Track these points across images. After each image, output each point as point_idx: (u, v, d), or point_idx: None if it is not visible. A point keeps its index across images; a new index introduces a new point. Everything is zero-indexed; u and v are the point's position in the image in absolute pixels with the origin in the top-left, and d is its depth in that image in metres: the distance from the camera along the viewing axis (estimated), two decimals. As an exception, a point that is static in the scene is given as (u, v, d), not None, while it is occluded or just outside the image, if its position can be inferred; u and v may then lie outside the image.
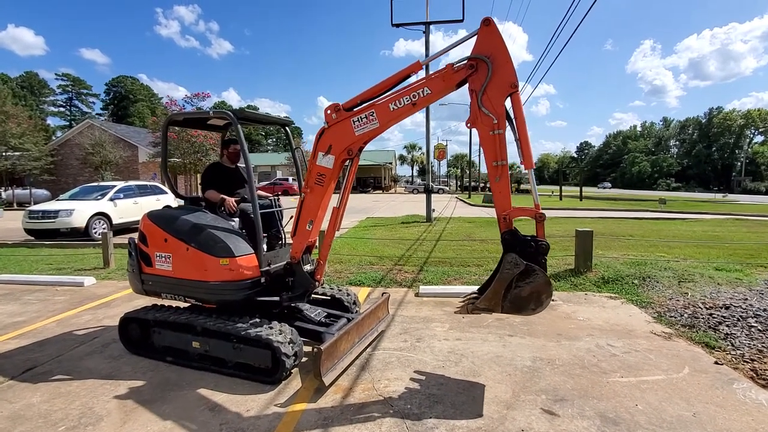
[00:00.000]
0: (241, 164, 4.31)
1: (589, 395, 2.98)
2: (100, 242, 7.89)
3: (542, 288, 2.79)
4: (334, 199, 3.55)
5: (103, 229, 11.23)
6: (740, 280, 5.89)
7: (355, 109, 3.17)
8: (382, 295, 4.36)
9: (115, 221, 11.83)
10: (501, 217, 2.87)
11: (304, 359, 3.49)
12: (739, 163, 78.83)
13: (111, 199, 11.98)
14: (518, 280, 2.80)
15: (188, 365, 3.50)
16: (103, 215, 11.59)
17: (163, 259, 3.63)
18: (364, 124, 3.10)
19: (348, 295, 4.33)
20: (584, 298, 5.43)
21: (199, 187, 4.66)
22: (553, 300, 5.20)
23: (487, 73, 2.78)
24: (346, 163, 3.37)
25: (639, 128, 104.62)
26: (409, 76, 3.13)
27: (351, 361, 3.39)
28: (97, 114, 70.93)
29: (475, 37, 2.85)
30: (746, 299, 5.00)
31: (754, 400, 2.86)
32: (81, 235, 10.83)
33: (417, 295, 5.59)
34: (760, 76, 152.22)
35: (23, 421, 2.77)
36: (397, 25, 14.12)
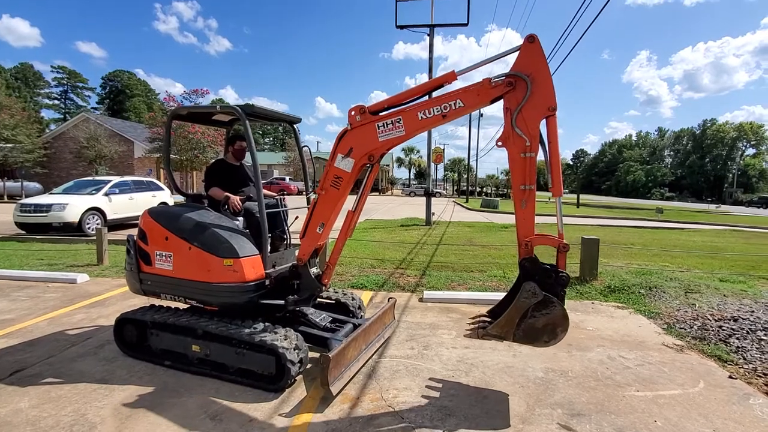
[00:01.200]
0: (246, 162, 4.18)
1: (606, 410, 2.87)
2: (94, 238, 7.69)
3: (559, 321, 2.71)
4: (349, 202, 3.41)
5: (97, 224, 11.00)
6: (745, 291, 5.84)
7: (381, 114, 3.03)
8: (388, 300, 4.24)
9: (109, 217, 11.60)
10: (522, 243, 2.78)
11: (308, 365, 3.35)
12: (731, 175, 79.66)
13: (106, 194, 11.75)
14: (534, 310, 2.71)
15: (187, 370, 3.35)
16: (98, 210, 11.36)
17: (164, 258, 3.48)
18: (389, 131, 2.96)
19: (353, 299, 4.21)
20: (591, 307, 5.34)
21: (197, 184, 4.51)
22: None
23: (525, 93, 2.65)
24: (366, 168, 3.23)
25: (634, 137, 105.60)
26: (441, 86, 3.00)
27: (358, 369, 3.26)
28: (92, 108, 70.18)
29: (517, 52, 2.72)
30: (753, 311, 4.93)
31: (777, 419, 2.77)
32: (74, 230, 10.60)
33: (421, 300, 5.47)
34: (751, 90, 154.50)
35: (10, 428, 2.60)
36: (402, 27, 14.04)
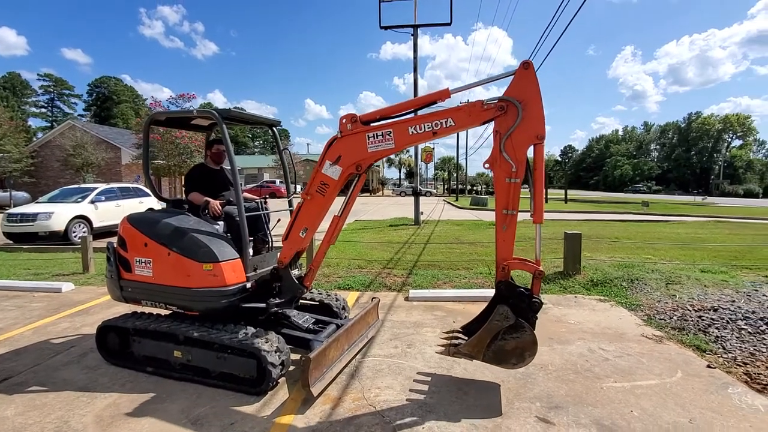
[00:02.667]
0: (226, 166, 4.17)
1: (584, 402, 2.92)
2: (80, 246, 7.61)
3: (527, 346, 2.80)
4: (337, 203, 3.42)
5: (83, 232, 10.88)
6: (726, 282, 5.95)
7: (372, 124, 3.05)
8: (372, 299, 4.26)
9: (96, 224, 11.49)
10: (500, 265, 2.85)
11: (291, 368, 3.36)
12: (717, 167, 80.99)
13: (92, 202, 11.63)
14: (505, 333, 2.80)
15: (169, 376, 3.34)
16: (84, 218, 11.24)
17: (143, 264, 3.47)
18: (379, 142, 2.98)
19: (337, 300, 4.22)
20: (574, 300, 5.41)
21: (183, 189, 4.50)
22: (543, 303, 5.16)
23: (515, 118, 2.69)
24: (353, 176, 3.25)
25: (621, 132, 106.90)
26: (435, 102, 3.03)
27: (340, 370, 3.28)
28: (79, 115, 69.26)
29: (511, 77, 2.75)
30: (734, 301, 5.04)
31: (750, 406, 2.84)
32: (60, 238, 10.48)
33: (407, 299, 5.50)
34: (738, 81, 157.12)
35: (-9, 438, 2.59)
36: (386, 28, 14.08)
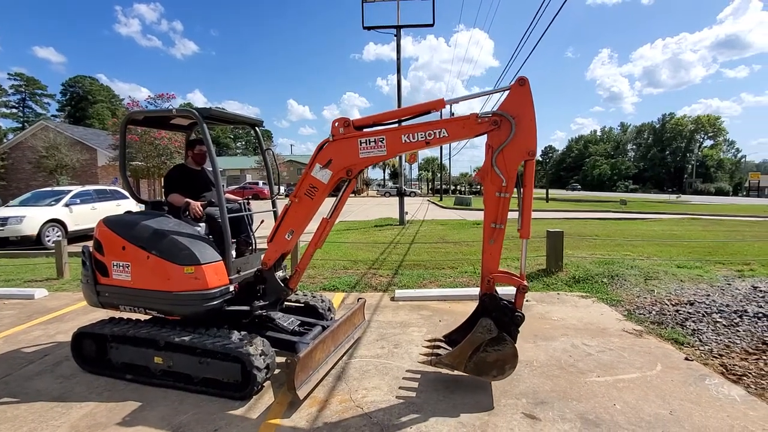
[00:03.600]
0: (207, 167, 4.09)
1: (569, 397, 2.96)
2: (54, 251, 7.35)
3: (508, 358, 2.85)
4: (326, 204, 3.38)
5: (57, 236, 10.51)
6: (701, 276, 6.14)
7: (365, 130, 3.03)
8: (358, 300, 4.23)
9: (70, 228, 11.12)
10: (485, 278, 2.89)
11: (276, 371, 3.31)
12: (690, 166, 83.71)
13: (66, 205, 11.25)
14: (487, 345, 2.84)
15: (150, 383, 3.25)
16: (58, 222, 10.86)
17: (121, 268, 3.37)
18: (371, 148, 2.96)
19: (323, 301, 4.18)
20: (557, 297, 5.50)
21: (163, 191, 4.39)
22: (527, 301, 5.24)
23: (508, 134, 2.70)
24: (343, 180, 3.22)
25: (599, 133, 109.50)
26: (429, 112, 3.03)
27: (327, 372, 3.24)
28: (52, 116, 66.75)
29: (506, 92, 2.77)
30: (709, 295, 5.20)
31: (727, 396, 2.93)
32: (33, 243, 10.10)
33: (393, 299, 5.49)
34: (708, 84, 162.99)
35: (-43, 454, 2.46)
36: (369, 28, 14.07)
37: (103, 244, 3.47)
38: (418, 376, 3.31)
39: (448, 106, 3.25)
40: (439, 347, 3.35)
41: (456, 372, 2.97)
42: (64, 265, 7.09)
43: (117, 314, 3.65)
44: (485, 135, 2.81)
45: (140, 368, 3.32)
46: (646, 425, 2.60)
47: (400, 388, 3.12)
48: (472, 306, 5.16)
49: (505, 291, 3.81)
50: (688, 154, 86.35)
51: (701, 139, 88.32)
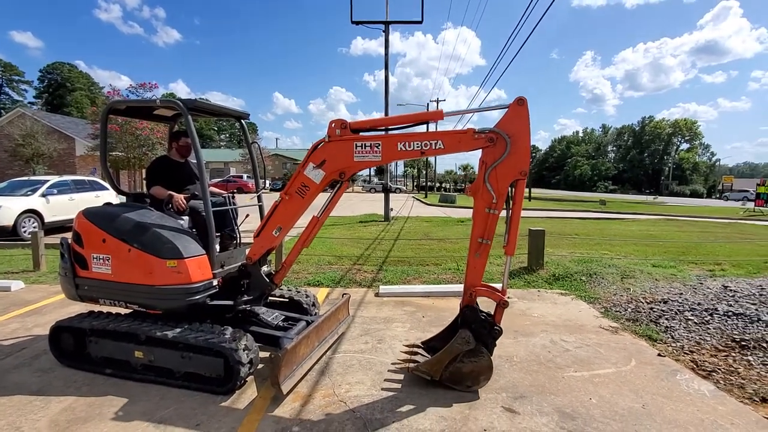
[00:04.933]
0: (192, 159, 4.02)
1: (547, 391, 3.05)
2: (30, 242, 7.13)
3: (483, 370, 2.96)
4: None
5: (34, 227, 10.19)
6: (675, 275, 6.36)
7: (361, 134, 3.03)
8: (343, 296, 4.25)
9: (47, 219, 10.79)
10: (468, 291, 2.95)
11: (260, 366, 3.31)
12: (667, 168, 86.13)
13: (43, 195, 10.90)
14: (464, 356, 2.93)
15: (130, 377, 3.20)
16: (34, 213, 10.53)
17: (101, 261, 3.30)
18: (366, 153, 2.96)
19: (307, 296, 4.18)
20: (537, 295, 5.62)
21: (144, 183, 4.30)
22: (509, 298, 5.33)
23: (503, 152, 2.74)
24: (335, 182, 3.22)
25: (581, 134, 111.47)
26: (427, 122, 3.08)
27: (310, 367, 3.26)
28: (29, 103, 64.44)
29: (505, 111, 2.80)
30: (681, 294, 5.39)
31: (697, 391, 3.06)
32: (9, 234, 9.77)
33: (377, 295, 5.53)
34: (686, 88, 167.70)
35: (-73, 450, 2.39)
36: (357, 23, 14.00)
37: (82, 236, 3.39)
38: (401, 371, 3.35)
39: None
40: (417, 353, 3.41)
41: (431, 379, 3.03)
42: (41, 256, 6.90)
43: (96, 308, 3.58)
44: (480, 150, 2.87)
45: (120, 363, 3.28)
46: (619, 418, 2.70)
47: (383, 383, 3.16)
48: (455, 302, 5.27)
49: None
50: (665, 157, 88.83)
51: (678, 143, 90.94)
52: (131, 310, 3.44)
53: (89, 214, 3.45)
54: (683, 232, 12.80)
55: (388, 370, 3.36)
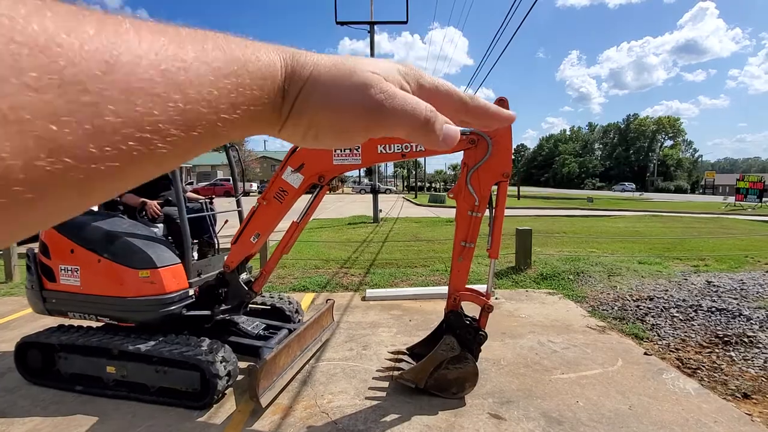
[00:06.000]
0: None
1: (534, 395, 2.99)
2: (1, 252, 6.88)
3: (468, 377, 2.89)
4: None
5: (8, 237, 9.86)
6: (660, 272, 6.39)
7: None
8: (327, 301, 4.15)
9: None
10: (452, 295, 2.89)
11: (240, 376, 3.19)
12: (652, 165, 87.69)
13: (17, 203, 10.57)
14: (449, 362, 2.86)
15: (102, 394, 3.06)
16: (8, 221, 10.20)
17: (70, 272, 3.16)
18: (345, 156, 2.87)
19: (289, 303, 4.07)
20: (525, 294, 5.59)
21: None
22: (496, 298, 5.30)
23: (484, 154, 2.68)
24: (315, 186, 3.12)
25: (568, 132, 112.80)
26: None
27: (292, 377, 3.15)
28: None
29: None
30: (667, 290, 5.41)
31: (682, 390, 3.03)
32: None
33: (363, 299, 5.43)
34: (669, 86, 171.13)
35: None
36: (342, 23, 13.91)
37: (49, 246, 3.25)
38: (387, 379, 3.27)
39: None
40: (401, 360, 3.33)
41: (416, 387, 2.95)
42: (14, 267, 6.66)
43: (67, 321, 3.43)
44: (462, 152, 2.81)
45: (92, 379, 3.13)
46: (606, 421, 2.65)
47: (367, 391, 3.07)
48: (442, 304, 5.18)
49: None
50: (650, 154, 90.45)
51: (662, 139, 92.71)
52: (103, 323, 3.30)
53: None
54: (668, 228, 12.94)
55: (373, 378, 3.27)
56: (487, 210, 2.82)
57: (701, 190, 72.50)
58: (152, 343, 2.96)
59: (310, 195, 3.27)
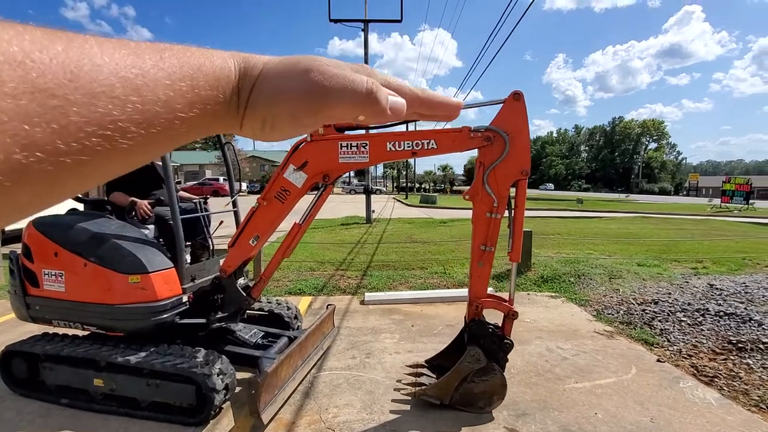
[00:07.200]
0: (158, 161, 3.67)
1: (549, 406, 2.86)
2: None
3: (497, 389, 2.72)
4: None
5: (-14, 237, 9.44)
6: (661, 274, 6.35)
7: (347, 132, 2.74)
8: (327, 306, 3.96)
9: (7, 228, 10.03)
10: (473, 303, 2.71)
11: (237, 388, 2.99)
12: (636, 167, 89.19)
13: None
14: (475, 375, 2.69)
15: (89, 408, 2.84)
16: (-14, 221, 9.76)
17: (54, 277, 2.92)
18: (352, 153, 2.67)
19: (288, 308, 3.88)
20: (527, 298, 5.47)
21: (104, 188, 3.91)
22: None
23: (501, 151, 2.51)
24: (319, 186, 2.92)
25: (555, 134, 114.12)
26: (417, 120, 2.79)
27: (294, 389, 2.96)
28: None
29: (500, 105, 2.56)
30: (670, 293, 5.35)
31: (702, 400, 2.92)
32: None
33: (362, 302, 5.26)
34: (653, 90, 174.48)
35: None
36: (335, 21, 13.69)
37: (32, 249, 3.01)
38: (394, 390, 3.10)
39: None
40: (421, 374, 3.14)
41: (441, 403, 2.78)
42: (-6, 269, 6.32)
43: (51, 329, 3.19)
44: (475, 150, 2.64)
45: (78, 391, 2.91)
46: (629, 435, 2.53)
47: (374, 404, 2.90)
48: (444, 308, 5.07)
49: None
50: (635, 156, 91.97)
51: (647, 142, 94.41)
52: (89, 332, 3.07)
53: (39, 224, 3.05)
54: (660, 229, 13.03)
55: (378, 392, 3.09)
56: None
57: (685, 192, 73.96)
58: (143, 354, 2.75)
59: (311, 198, 3.09)
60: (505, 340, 2.68)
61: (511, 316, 2.67)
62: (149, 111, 0.27)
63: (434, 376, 3.04)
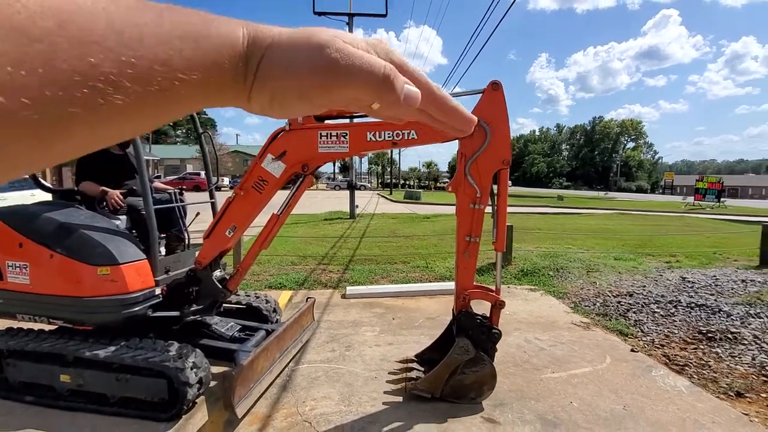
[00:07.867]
0: (131, 150, 3.55)
1: (526, 396, 2.89)
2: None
3: (486, 379, 2.72)
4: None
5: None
6: (636, 268, 6.50)
7: (327, 122, 2.69)
8: (307, 300, 3.91)
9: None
10: (460, 295, 2.72)
11: (212, 382, 2.92)
12: (615, 166, 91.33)
13: (-38, 194, 9.70)
14: (465, 366, 2.69)
15: (56, 405, 2.73)
16: (-50, 214, 9.35)
17: (18, 269, 2.79)
18: (332, 143, 2.62)
19: (267, 302, 3.81)
20: (508, 291, 5.53)
21: (73, 178, 3.77)
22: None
23: (482, 141, 2.51)
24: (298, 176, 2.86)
25: (537, 133, 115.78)
26: None
27: (270, 382, 2.91)
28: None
29: (479, 96, 2.54)
30: (645, 286, 5.48)
31: (673, 387, 3.00)
32: None
33: (344, 296, 5.22)
34: (632, 90, 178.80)
35: None
36: (319, 14, 13.52)
37: (-7, 240, 2.87)
38: (372, 382, 3.08)
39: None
40: (410, 369, 3.15)
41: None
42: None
43: (17, 324, 3.05)
44: (456, 141, 2.63)
45: (44, 388, 2.79)
46: (603, 423, 2.57)
47: (352, 396, 2.87)
48: (425, 302, 5.08)
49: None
50: (614, 155, 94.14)
51: (625, 141, 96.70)
52: (56, 326, 2.95)
53: (3, 214, 2.91)
54: (636, 225, 13.37)
55: (357, 384, 3.07)
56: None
57: (661, 191, 76.08)
58: (112, 348, 2.65)
59: (287, 191, 3.03)
60: (494, 330, 2.70)
61: (498, 305, 2.69)
62: (144, 67, 0.26)
63: (423, 369, 3.04)
